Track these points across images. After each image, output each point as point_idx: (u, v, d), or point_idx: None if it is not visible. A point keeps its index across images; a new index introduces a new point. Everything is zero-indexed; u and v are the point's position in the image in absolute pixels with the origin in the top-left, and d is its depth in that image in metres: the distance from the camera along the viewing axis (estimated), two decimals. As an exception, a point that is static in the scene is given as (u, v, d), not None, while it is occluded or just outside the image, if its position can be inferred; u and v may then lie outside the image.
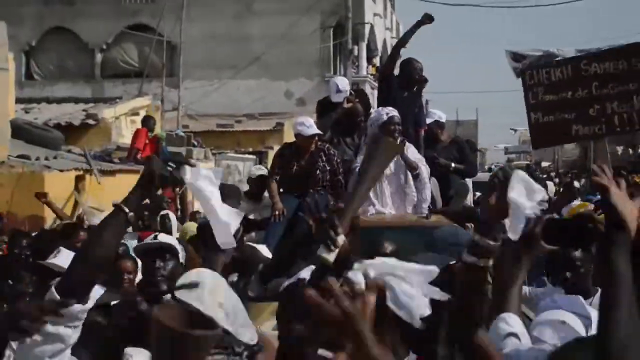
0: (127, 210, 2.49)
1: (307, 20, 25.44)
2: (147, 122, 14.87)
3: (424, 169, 7.01)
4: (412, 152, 7.08)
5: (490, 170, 11.29)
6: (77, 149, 12.58)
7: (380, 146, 2.41)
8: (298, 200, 7.07)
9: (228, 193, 7.76)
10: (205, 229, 7.43)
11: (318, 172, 6.98)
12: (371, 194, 6.74)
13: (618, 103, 6.66)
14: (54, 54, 27.04)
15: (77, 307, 2.40)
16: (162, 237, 4.64)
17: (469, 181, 8.44)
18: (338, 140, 7.83)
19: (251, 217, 8.14)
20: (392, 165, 6.82)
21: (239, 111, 24.56)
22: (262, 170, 8.41)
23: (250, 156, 19.54)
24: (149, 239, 4.69)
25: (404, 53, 8.85)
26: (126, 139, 17.03)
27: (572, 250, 4.59)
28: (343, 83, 8.23)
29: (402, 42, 8.21)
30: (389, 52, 30.26)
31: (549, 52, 13.94)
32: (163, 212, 8.84)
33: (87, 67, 27.00)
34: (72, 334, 2.47)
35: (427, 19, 7.66)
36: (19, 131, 11.34)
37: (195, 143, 17.31)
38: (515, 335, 2.41)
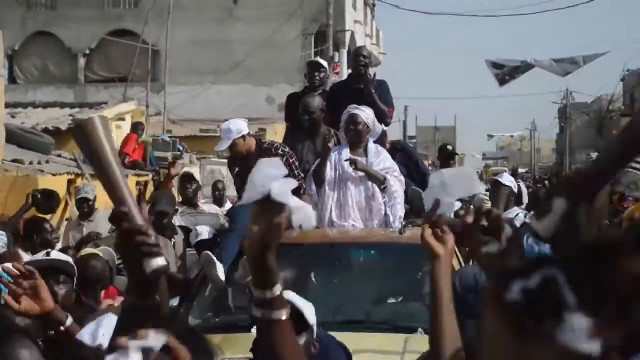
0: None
1: (289, 27, 25.79)
2: (137, 128, 15.20)
3: (395, 181, 6.07)
4: (383, 159, 6.19)
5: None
6: (67, 153, 12.81)
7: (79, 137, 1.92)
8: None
9: (161, 199, 7.25)
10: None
11: None
12: (334, 206, 6.05)
13: None
14: (37, 58, 27.14)
15: None
16: (56, 255, 4.07)
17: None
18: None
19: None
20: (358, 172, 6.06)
21: (221, 117, 24.71)
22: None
23: (234, 161, 19.67)
24: (40, 255, 4.04)
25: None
26: (112, 144, 17.21)
27: None
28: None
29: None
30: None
31: (526, 62, 14.48)
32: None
33: (70, 72, 27.12)
34: None
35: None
36: (11, 136, 11.54)
37: (181, 148, 17.55)
38: None
